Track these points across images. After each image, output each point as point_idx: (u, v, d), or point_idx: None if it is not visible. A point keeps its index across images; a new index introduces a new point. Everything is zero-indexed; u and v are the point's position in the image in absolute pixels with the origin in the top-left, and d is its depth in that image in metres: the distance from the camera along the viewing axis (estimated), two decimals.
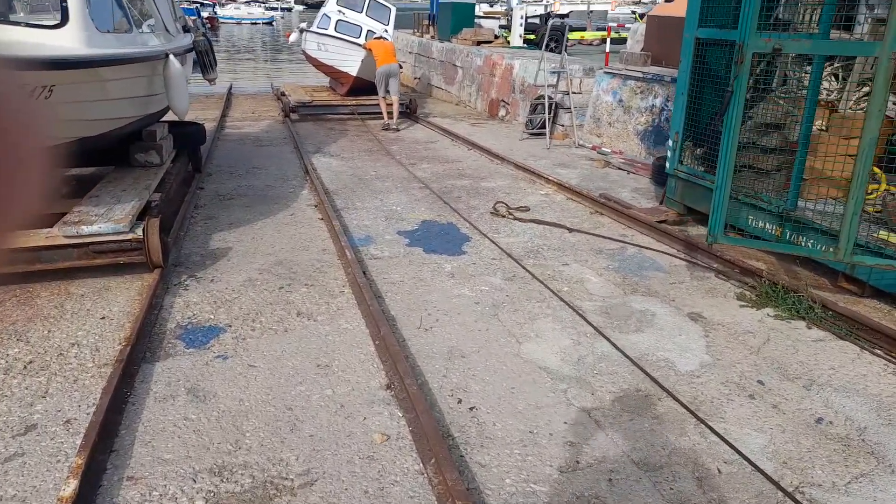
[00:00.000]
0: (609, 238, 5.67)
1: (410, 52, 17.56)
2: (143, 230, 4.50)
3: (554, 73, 10.52)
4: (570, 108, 10.25)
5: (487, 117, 12.87)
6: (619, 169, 8.27)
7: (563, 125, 10.47)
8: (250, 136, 10.56)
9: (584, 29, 19.79)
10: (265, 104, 14.44)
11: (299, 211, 6.50)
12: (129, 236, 4.50)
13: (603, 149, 9.23)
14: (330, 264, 5.04)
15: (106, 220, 4.52)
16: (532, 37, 15.54)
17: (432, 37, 16.87)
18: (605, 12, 20.71)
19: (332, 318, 4.11)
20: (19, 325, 3.89)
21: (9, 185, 0.53)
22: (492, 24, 15.88)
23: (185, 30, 9.23)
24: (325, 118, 12.65)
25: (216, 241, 5.54)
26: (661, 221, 5.92)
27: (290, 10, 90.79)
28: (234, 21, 59.59)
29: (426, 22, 17.94)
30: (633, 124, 8.88)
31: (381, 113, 12.05)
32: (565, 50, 9.98)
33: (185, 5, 38.67)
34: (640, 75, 8.67)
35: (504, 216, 6.26)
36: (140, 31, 5.90)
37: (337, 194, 7.13)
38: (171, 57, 5.76)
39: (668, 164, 6.03)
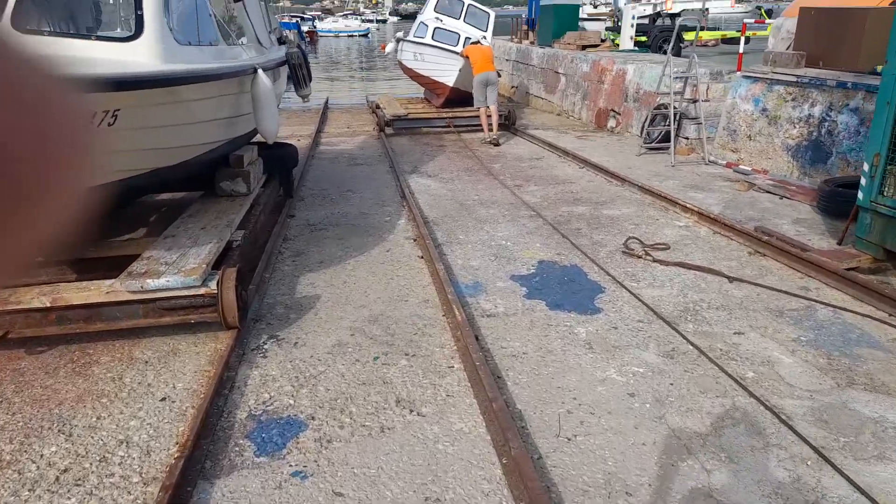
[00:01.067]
0: (786, 292, 4.33)
1: (507, 60, 16.48)
2: (218, 284, 3.69)
3: (677, 78, 9.13)
4: (697, 119, 8.81)
5: (594, 129, 11.57)
6: (768, 192, 6.80)
7: (687, 138, 9.03)
8: (345, 154, 9.85)
9: (701, 29, 17.85)
10: (360, 118, 13.84)
11: (396, 246, 5.57)
12: (202, 290, 3.70)
13: (741, 167, 7.76)
14: (434, 323, 4.05)
15: (176, 270, 3.75)
16: (643, 39, 14.12)
17: (531, 42, 15.71)
18: (723, 11, 18.67)
19: (440, 412, 3.09)
20: (66, 408, 3.15)
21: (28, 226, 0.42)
22: (597, 27, 14.54)
23: (280, 42, 8.63)
24: (420, 132, 11.81)
25: (304, 286, 4.69)
26: (851, 269, 4.51)
27: (384, 21, 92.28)
28: (332, 34, 60.90)
29: (525, 27, 16.81)
30: (780, 138, 7.36)
31: (477, 125, 11.07)
32: (693, 53, 8.57)
33: (286, 19, 39.57)
34: (793, 79, 7.15)
35: (640, 256, 5.05)
36: (228, 43, 5.18)
37: (437, 224, 6.16)
38: (260, 72, 4.99)
39: (860, 195, 4.60)
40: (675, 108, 8.83)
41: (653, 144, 9.11)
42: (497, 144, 10.37)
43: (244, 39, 5.86)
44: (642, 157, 8.90)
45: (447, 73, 12.20)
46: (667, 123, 9.04)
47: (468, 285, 4.64)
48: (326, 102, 16.21)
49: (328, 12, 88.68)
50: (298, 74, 6.36)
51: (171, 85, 3.92)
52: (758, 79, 7.79)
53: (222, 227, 4.57)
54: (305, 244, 5.67)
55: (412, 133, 11.80)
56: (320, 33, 56.02)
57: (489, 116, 10.52)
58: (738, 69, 9.19)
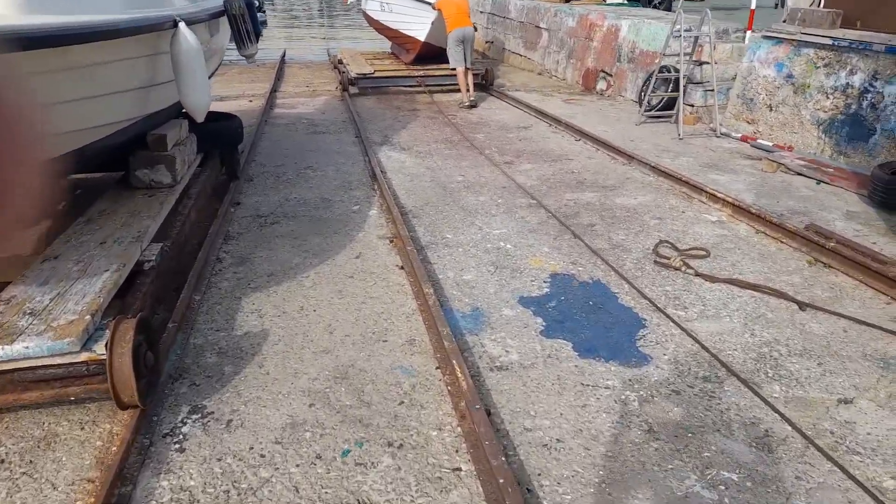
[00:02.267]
0: (882, 328, 3.29)
1: (481, 12, 14.92)
2: (107, 345, 2.43)
3: (677, 36, 7.92)
4: (705, 84, 7.67)
5: (582, 91, 10.32)
6: (801, 175, 5.75)
7: (692, 105, 7.90)
8: (304, 119, 8.40)
9: None
10: (321, 74, 12.24)
11: (368, 249, 4.34)
12: (82, 357, 2.45)
13: (760, 141, 6.68)
14: (425, 382, 2.88)
15: (43, 325, 2.46)
16: None
17: None
18: None
19: None
20: None
21: None
22: None
23: None
24: (388, 91, 10.38)
25: (247, 315, 3.45)
26: None
27: None
28: None
29: None
30: (810, 110, 6.28)
31: (452, 85, 9.74)
32: (706, 9, 7.35)
33: None
34: (828, 42, 6.03)
35: (677, 268, 3.94)
36: None
37: (417, 217, 4.93)
38: (183, 27, 3.59)
39: None
40: (676, 71, 7.65)
41: (654, 112, 7.95)
42: (474, 106, 9.07)
43: None
44: (643, 127, 7.74)
45: (418, 26, 10.69)
46: (669, 88, 7.87)
47: (466, 315, 3.46)
48: (283, 56, 14.49)
49: None
50: (241, 29, 4.92)
51: (38, 46, 2.55)
52: (781, 40, 6.64)
53: (129, 241, 3.25)
54: (252, 246, 4.39)
55: (380, 93, 10.35)
56: None
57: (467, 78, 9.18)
58: (749, 28, 8.03)
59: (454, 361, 2.84)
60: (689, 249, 4.20)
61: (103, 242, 3.21)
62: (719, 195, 4.98)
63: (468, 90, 9.16)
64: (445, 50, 11.60)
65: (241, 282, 3.87)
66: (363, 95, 10.10)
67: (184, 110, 4.75)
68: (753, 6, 7.99)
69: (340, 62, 11.75)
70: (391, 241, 4.45)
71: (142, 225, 3.46)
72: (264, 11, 26.37)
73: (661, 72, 8.01)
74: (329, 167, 6.26)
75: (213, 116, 5.12)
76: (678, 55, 7.57)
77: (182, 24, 3.56)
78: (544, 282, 3.83)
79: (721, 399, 2.73)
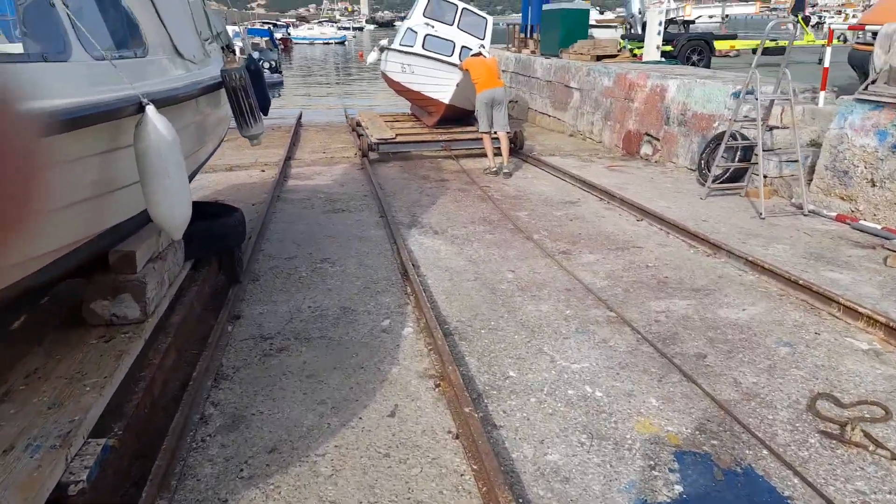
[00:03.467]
0: None
1: (505, 71, 14.06)
2: None
3: (736, 95, 6.87)
4: (784, 154, 6.54)
5: (624, 155, 9.24)
6: None
7: (765, 176, 6.73)
8: (320, 193, 7.33)
9: (733, 37, 15.67)
10: (338, 138, 11.31)
11: (407, 399, 3.11)
12: None
13: (864, 223, 5.46)
14: None
15: None
16: (668, 48, 11.92)
17: (532, 52, 13.35)
18: (746, 16, 16.35)
19: None
20: None
21: None
22: (606, 35, 12.26)
23: (230, 50, 6.08)
24: (411, 156, 9.41)
25: None
26: None
27: (361, 29, 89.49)
28: (307, 41, 58.02)
29: (521, 35, 14.45)
30: None
31: (479, 149, 8.73)
32: (786, 68, 6.27)
33: (258, 26, 36.62)
34: None
35: (859, 445, 2.67)
36: (91, 52, 2.63)
37: (466, 338, 3.72)
38: (151, 112, 2.49)
39: None
40: (744, 138, 6.54)
41: (718, 185, 6.78)
42: (508, 175, 8.00)
43: (149, 44, 3.31)
44: (711, 203, 6.56)
45: (442, 88, 9.78)
46: (736, 157, 6.74)
47: None
48: (299, 119, 13.65)
49: (303, 20, 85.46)
50: (242, 105, 3.85)
51: None
52: (882, 104, 5.52)
53: (50, 444, 2.05)
54: (251, 392, 3.17)
55: (402, 158, 9.35)
56: (295, 41, 53.06)
57: (496, 140, 8.14)
58: (823, 88, 6.94)
59: None
60: (857, 404, 2.93)
61: (7, 450, 2.00)
62: (861, 310, 3.73)
63: (497, 156, 8.11)
64: (470, 112, 10.69)
65: (231, 464, 2.64)
66: (384, 162, 9.09)
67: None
68: (827, 63, 6.92)
69: (359, 125, 10.85)
70: (436, 386, 3.23)
71: (80, 405, 2.27)
72: (281, 72, 26.04)
73: (722, 137, 6.90)
74: (350, 259, 5.10)
75: (207, 211, 4.01)
76: (746, 119, 6.48)
77: (151, 109, 2.45)
78: (670, 470, 2.57)
79: None
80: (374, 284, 4.59)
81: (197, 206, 4.02)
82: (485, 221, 6.10)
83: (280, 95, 22.29)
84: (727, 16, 16.09)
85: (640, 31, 14.65)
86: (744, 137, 6.64)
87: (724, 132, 6.98)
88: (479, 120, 8.18)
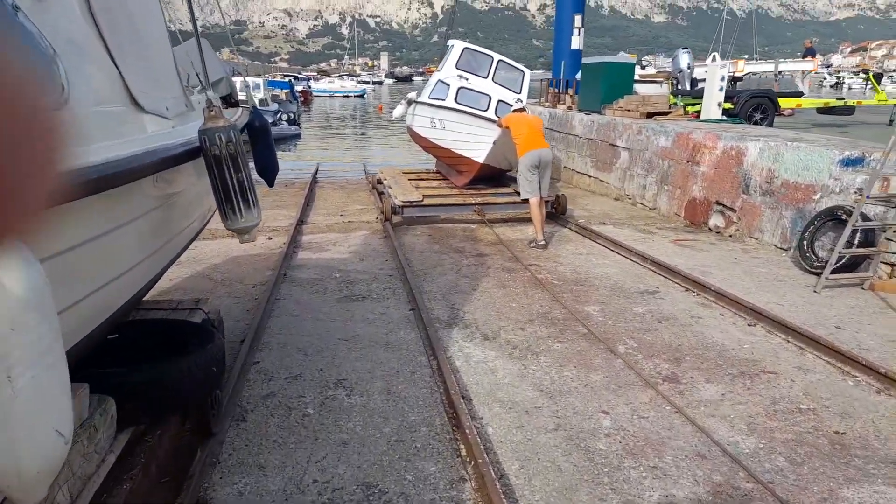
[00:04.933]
0: None
1: None
2: None
3: (851, 163, 5.50)
4: None
5: (688, 226, 7.82)
6: None
7: (891, 264, 5.25)
8: (335, 270, 5.92)
9: (798, 94, 14.47)
10: (357, 198, 10.03)
11: None
12: None
13: None
14: None
15: None
16: (728, 105, 10.72)
17: (569, 108, 12.17)
18: (802, 73, 15.29)
19: None
20: None
21: None
22: (651, 91, 11.06)
23: (233, 103, 4.78)
24: (438, 220, 8.09)
25: None
26: None
27: (380, 83, 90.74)
28: (326, 94, 58.27)
29: (554, 90, 13.34)
30: None
31: (516, 215, 7.52)
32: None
33: (279, 78, 36.36)
34: None
35: None
36: None
37: None
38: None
39: None
40: (866, 216, 5.10)
41: (832, 275, 5.29)
42: (545, 247, 6.66)
43: (72, 89, 1.94)
44: (827, 296, 5.07)
45: (477, 146, 8.52)
46: (858, 240, 5.27)
47: None
48: (315, 174, 12.49)
49: (324, 73, 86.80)
50: (229, 182, 2.48)
51: None
52: None
53: None
54: None
55: (428, 222, 8.03)
56: (315, 93, 53.17)
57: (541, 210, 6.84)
58: None
59: None
60: None
61: None
62: None
63: (540, 226, 6.77)
64: (504, 171, 9.39)
65: None
66: (410, 228, 7.75)
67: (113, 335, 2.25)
68: None
69: (380, 182, 9.59)
70: None
71: None
72: (299, 124, 25.22)
73: (833, 216, 5.47)
74: (374, 382, 3.63)
75: (166, 339, 2.58)
76: (859, 190, 5.06)
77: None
78: None
79: None
80: (410, 434, 3.10)
81: (150, 326, 2.58)
82: (545, 319, 4.64)
83: (296, 147, 21.38)
84: (780, 72, 14.99)
85: (687, 87, 13.53)
86: (865, 218, 5.20)
87: (834, 208, 5.56)
88: (522, 185, 6.87)
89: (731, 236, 7.12)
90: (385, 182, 9.21)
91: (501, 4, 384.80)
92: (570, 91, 12.46)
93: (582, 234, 7.43)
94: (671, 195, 8.30)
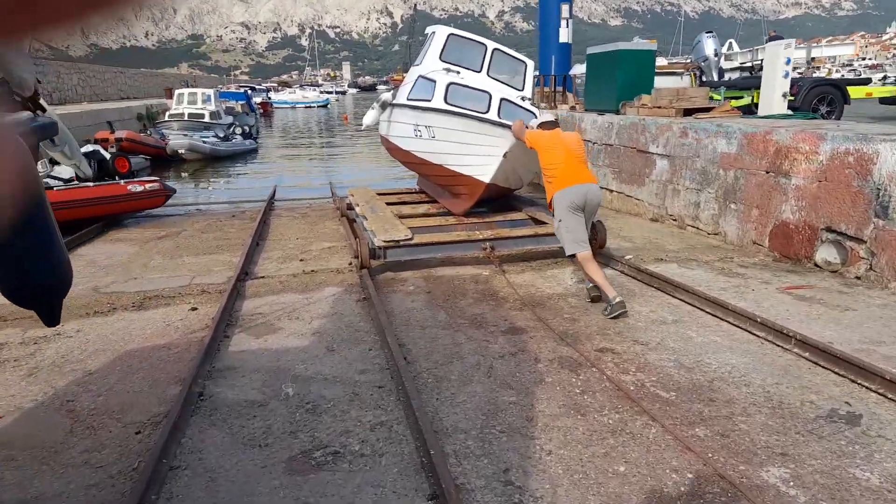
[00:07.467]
0: None
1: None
2: None
3: None
4: None
5: (779, 259, 5.60)
6: None
7: None
8: (287, 379, 3.41)
9: (866, 81, 12.62)
10: (323, 229, 7.55)
11: None
12: None
13: None
14: None
15: None
16: (790, 98, 8.74)
17: (572, 108, 9.92)
18: (833, 59, 13.39)
19: None
20: None
21: None
22: (670, 83, 8.89)
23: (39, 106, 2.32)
24: (433, 264, 5.71)
25: None
26: None
27: (343, 93, 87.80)
28: (288, 105, 55.21)
29: (547, 88, 11.09)
30: None
31: (538, 253, 5.19)
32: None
33: (234, 89, 33.37)
34: None
35: None
36: None
37: None
38: None
39: None
40: None
41: None
42: (625, 310, 4.29)
43: None
44: None
45: (481, 160, 6.16)
46: None
47: None
48: (272, 197, 9.99)
49: (285, 84, 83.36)
50: None
51: None
52: None
53: None
54: None
55: (421, 266, 5.66)
56: (275, 104, 50.06)
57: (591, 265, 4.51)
58: None
59: None
60: None
61: None
62: None
63: (605, 282, 4.42)
64: (510, 191, 7.05)
65: None
66: (397, 276, 5.35)
67: None
68: None
69: (350, 207, 7.20)
70: None
71: None
72: (256, 138, 22.49)
73: None
74: None
75: None
76: None
77: None
78: None
79: None
80: None
81: None
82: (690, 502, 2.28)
83: (251, 162, 18.72)
84: (813, 59, 13.19)
85: (715, 78, 11.49)
86: None
87: None
88: (562, 235, 4.56)
89: (858, 278, 4.90)
90: (358, 208, 6.79)
91: (460, 12, 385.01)
92: (562, 88, 10.22)
93: (643, 280, 5.13)
94: (743, 217, 6.07)
